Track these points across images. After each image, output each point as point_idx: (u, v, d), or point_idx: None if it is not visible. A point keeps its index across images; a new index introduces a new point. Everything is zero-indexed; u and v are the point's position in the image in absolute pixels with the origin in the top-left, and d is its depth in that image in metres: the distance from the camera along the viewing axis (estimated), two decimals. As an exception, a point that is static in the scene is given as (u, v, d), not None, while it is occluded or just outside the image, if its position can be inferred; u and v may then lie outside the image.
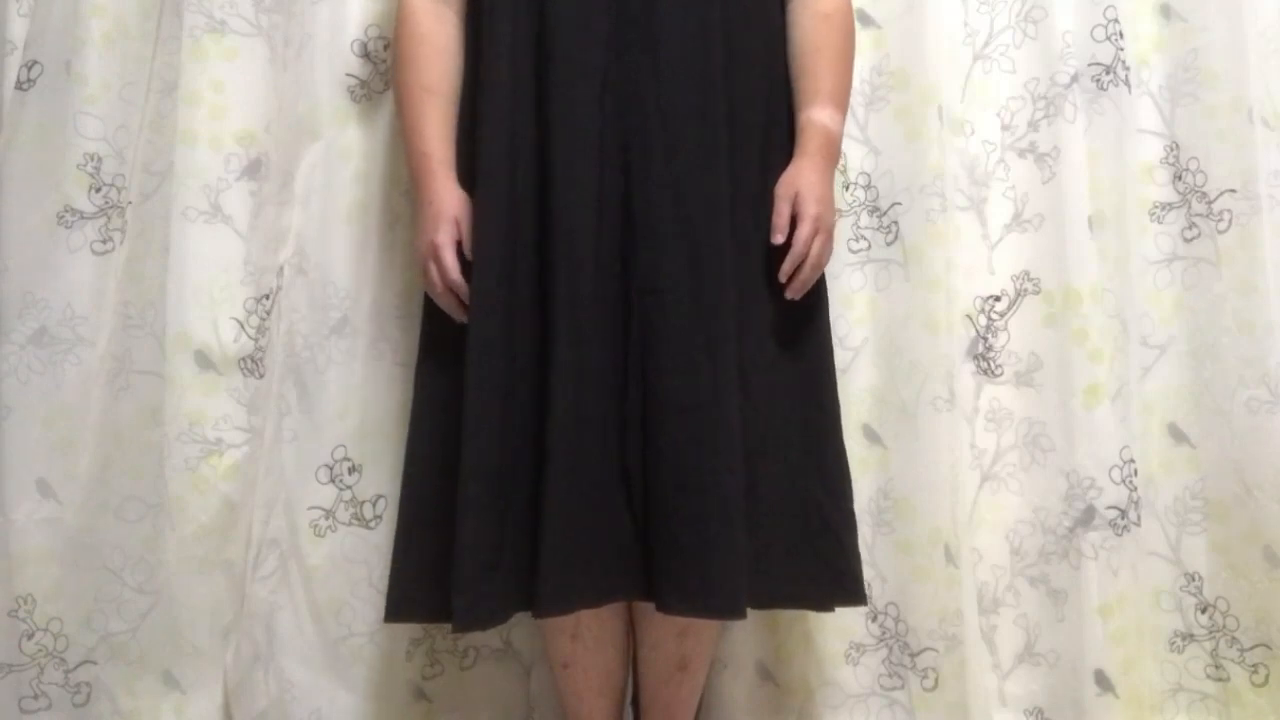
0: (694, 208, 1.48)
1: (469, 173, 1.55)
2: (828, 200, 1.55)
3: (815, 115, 1.58)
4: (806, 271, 1.53)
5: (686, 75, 1.51)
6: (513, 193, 1.50)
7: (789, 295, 1.53)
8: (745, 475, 1.47)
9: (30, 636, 1.74)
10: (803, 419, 1.56)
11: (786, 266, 1.52)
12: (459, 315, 1.53)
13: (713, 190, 1.50)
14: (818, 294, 1.60)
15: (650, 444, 1.45)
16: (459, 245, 1.53)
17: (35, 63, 1.79)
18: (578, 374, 1.45)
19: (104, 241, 1.79)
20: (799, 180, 1.54)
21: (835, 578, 1.55)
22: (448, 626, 1.47)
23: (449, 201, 1.55)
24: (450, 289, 1.53)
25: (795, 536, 1.52)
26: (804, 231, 1.52)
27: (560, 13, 1.50)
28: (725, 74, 1.53)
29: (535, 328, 1.48)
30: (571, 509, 1.44)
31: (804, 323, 1.58)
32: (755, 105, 1.58)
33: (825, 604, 1.59)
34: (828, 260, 1.56)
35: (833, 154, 1.60)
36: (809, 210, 1.52)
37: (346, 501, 1.76)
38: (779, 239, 1.52)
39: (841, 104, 1.61)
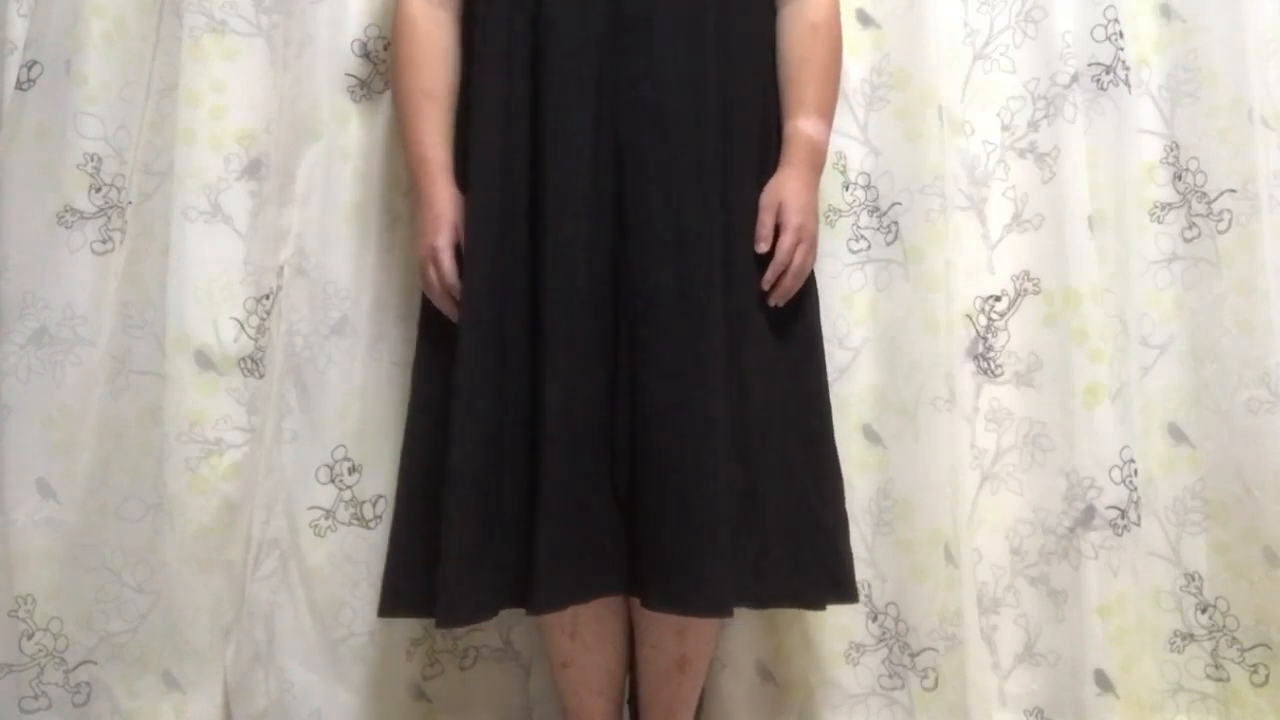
0: (687, 212, 1.49)
1: (466, 175, 1.55)
2: (810, 210, 1.57)
3: (801, 125, 1.60)
4: (788, 281, 1.55)
5: (682, 80, 1.51)
6: (505, 197, 1.50)
7: (771, 302, 1.55)
8: (745, 476, 1.48)
9: (30, 636, 1.74)
10: (798, 420, 1.58)
11: (769, 276, 1.54)
12: (456, 317, 1.53)
13: (706, 194, 1.50)
14: (808, 296, 1.62)
15: (637, 443, 1.46)
16: (458, 249, 1.54)
17: (35, 63, 1.79)
18: (570, 376, 1.46)
19: (104, 241, 1.79)
20: (782, 190, 1.56)
21: (829, 576, 1.56)
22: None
23: (448, 205, 1.56)
24: (448, 292, 1.54)
25: (792, 536, 1.53)
26: (786, 242, 1.54)
27: (554, 17, 1.51)
28: (721, 80, 1.53)
29: (527, 330, 1.48)
30: (564, 508, 1.44)
31: (797, 325, 1.59)
32: (751, 112, 1.59)
33: (819, 602, 1.59)
34: (810, 268, 1.59)
35: (817, 163, 1.61)
36: (791, 220, 1.54)
37: (346, 501, 1.76)
38: (762, 248, 1.54)
39: (827, 114, 1.63)
